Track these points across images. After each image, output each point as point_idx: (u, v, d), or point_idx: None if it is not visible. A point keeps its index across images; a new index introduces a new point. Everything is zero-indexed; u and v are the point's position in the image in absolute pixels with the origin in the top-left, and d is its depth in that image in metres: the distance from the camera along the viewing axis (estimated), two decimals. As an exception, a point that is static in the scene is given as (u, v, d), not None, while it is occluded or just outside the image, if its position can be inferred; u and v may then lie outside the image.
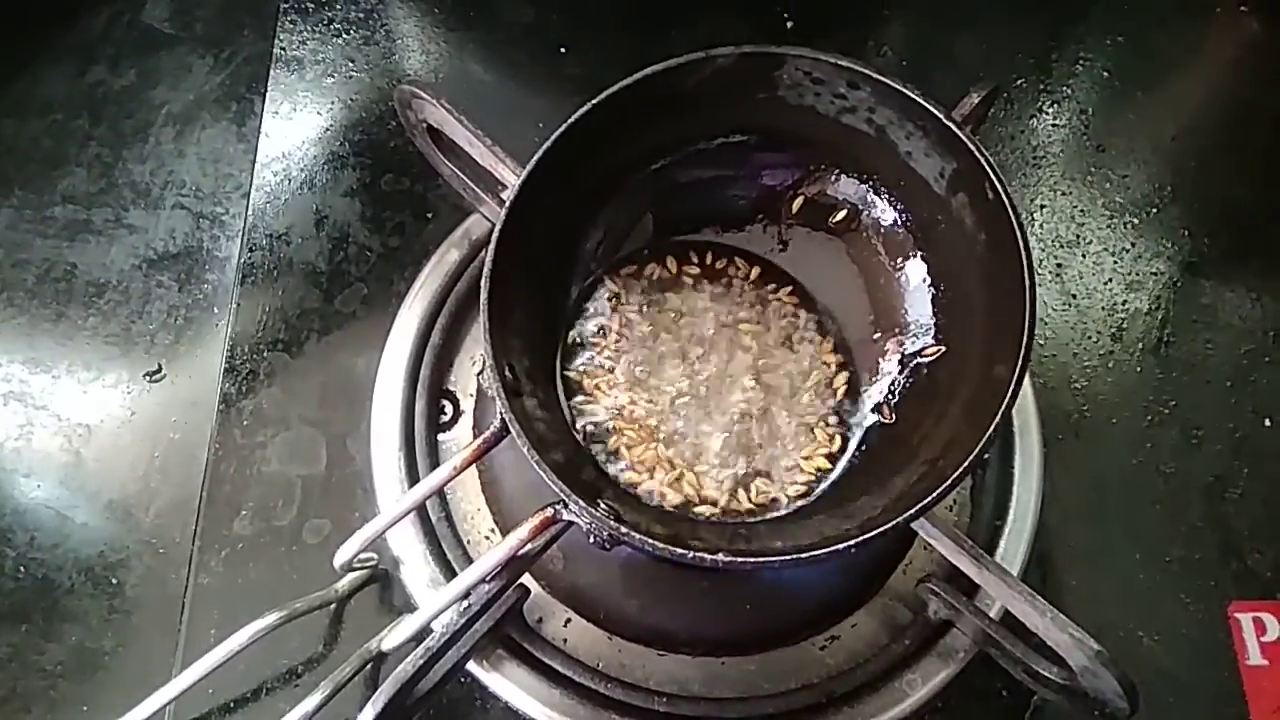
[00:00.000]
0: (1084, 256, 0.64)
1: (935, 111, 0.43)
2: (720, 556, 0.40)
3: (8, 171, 0.69)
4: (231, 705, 0.51)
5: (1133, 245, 0.65)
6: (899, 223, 0.49)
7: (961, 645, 0.51)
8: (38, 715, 0.55)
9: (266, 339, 0.60)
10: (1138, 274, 0.64)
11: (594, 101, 0.44)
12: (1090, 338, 0.62)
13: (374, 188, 0.65)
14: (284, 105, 0.68)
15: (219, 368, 0.60)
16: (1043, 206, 0.66)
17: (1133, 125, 0.69)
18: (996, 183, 0.42)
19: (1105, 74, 0.71)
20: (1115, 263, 0.64)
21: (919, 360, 0.48)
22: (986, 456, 0.56)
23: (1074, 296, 0.63)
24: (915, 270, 0.49)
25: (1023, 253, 0.41)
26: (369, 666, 0.49)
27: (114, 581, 0.58)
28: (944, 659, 0.51)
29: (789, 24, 0.71)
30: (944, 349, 0.47)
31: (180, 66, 0.73)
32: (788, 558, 0.40)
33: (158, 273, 0.66)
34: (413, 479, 0.54)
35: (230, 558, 0.55)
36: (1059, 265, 0.64)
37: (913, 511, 0.39)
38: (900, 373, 0.49)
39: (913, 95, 0.44)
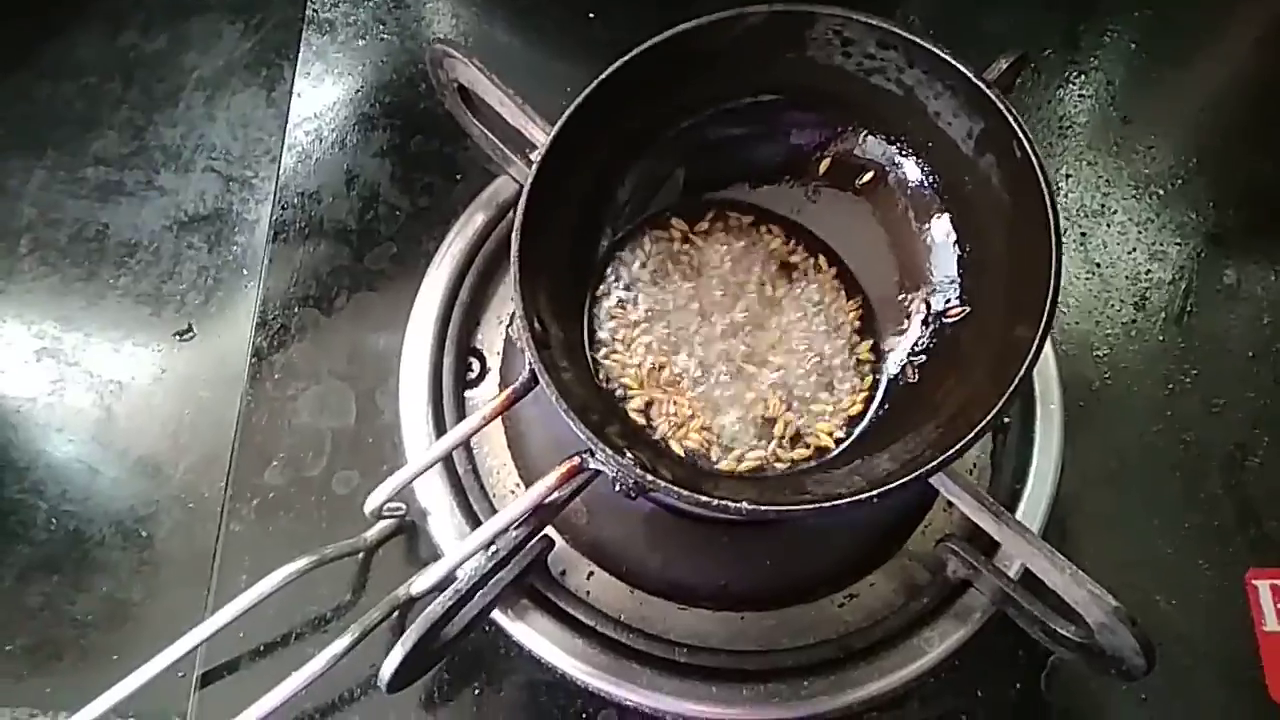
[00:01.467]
0: (1108, 226, 0.64)
1: (965, 71, 0.44)
2: (744, 504, 0.40)
3: (41, 133, 0.70)
4: (261, 649, 0.52)
5: (1157, 216, 0.64)
6: (926, 183, 0.50)
7: (979, 605, 0.52)
8: (68, 663, 0.57)
9: (298, 295, 0.61)
10: (1161, 244, 0.64)
11: (626, 57, 0.45)
12: (1113, 306, 0.62)
13: (404, 149, 0.66)
14: (316, 66, 0.69)
15: (248, 328, 0.61)
16: (1068, 176, 0.66)
17: (1159, 98, 0.69)
18: (1025, 142, 0.43)
19: (1132, 47, 0.70)
20: (1139, 233, 0.64)
21: (943, 320, 0.49)
22: (1008, 420, 0.56)
23: (1098, 265, 0.63)
24: (941, 230, 0.49)
25: (1049, 212, 0.42)
26: (396, 613, 0.50)
27: (143, 535, 0.60)
28: (961, 619, 0.52)
29: (816, -8, 0.71)
30: (968, 309, 0.48)
31: (211, 32, 0.74)
32: (809, 506, 0.40)
33: (188, 234, 0.67)
34: (440, 433, 0.55)
35: (261, 506, 0.55)
36: (1083, 234, 0.64)
37: (932, 465, 0.40)
38: (924, 332, 0.49)
39: (943, 55, 0.44)
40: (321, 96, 0.68)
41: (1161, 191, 0.65)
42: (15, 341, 0.64)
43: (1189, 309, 0.62)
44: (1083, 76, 0.69)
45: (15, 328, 0.65)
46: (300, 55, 0.69)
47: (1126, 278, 0.63)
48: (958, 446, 0.39)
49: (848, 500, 0.39)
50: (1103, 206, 0.65)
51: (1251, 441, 0.58)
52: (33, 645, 0.57)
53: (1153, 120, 0.68)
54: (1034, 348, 0.41)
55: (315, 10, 0.71)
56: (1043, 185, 0.42)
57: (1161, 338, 0.61)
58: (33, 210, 0.68)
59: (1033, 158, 0.42)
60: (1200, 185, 0.66)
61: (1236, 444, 0.58)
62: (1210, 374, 0.60)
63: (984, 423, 0.40)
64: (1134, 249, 0.63)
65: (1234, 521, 0.56)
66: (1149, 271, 0.63)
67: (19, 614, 0.58)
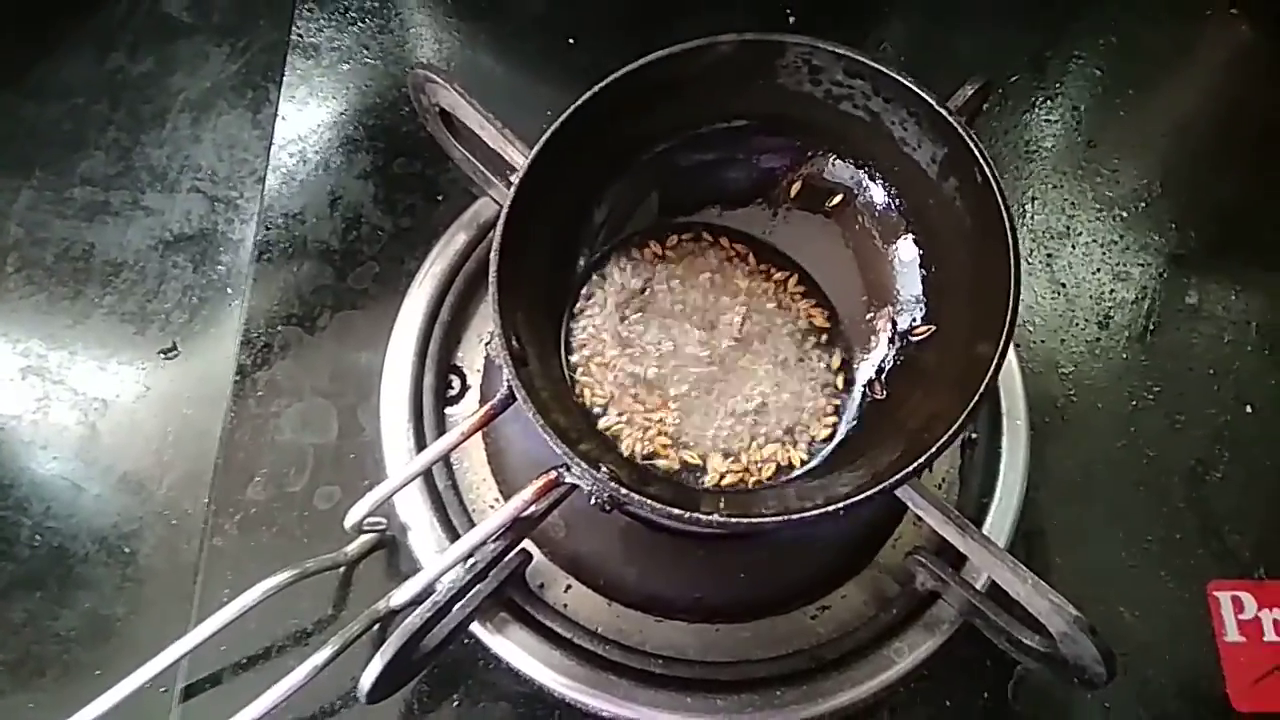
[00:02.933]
0: (1074, 248, 0.66)
1: (928, 98, 0.45)
2: (715, 516, 0.41)
3: (28, 153, 0.71)
4: (244, 662, 0.53)
5: (1121, 238, 0.66)
6: (892, 206, 0.51)
7: (947, 616, 0.53)
8: (51, 678, 0.57)
9: (281, 313, 0.62)
10: (1125, 265, 0.65)
11: (601, 84, 0.46)
12: (1078, 325, 0.63)
13: (386, 171, 0.67)
14: (300, 90, 0.70)
15: (232, 347, 0.62)
16: (1035, 199, 0.68)
17: (1124, 122, 0.71)
18: (986, 168, 0.44)
19: (1098, 72, 0.73)
20: (1104, 254, 0.66)
21: (909, 339, 0.50)
22: (975, 436, 0.58)
23: (1063, 285, 0.65)
24: (907, 251, 0.51)
25: (1009, 235, 0.43)
26: (376, 626, 0.51)
27: (126, 551, 0.60)
28: (930, 629, 0.53)
29: (791, 18, 0.73)
30: (934, 328, 0.49)
31: (197, 54, 0.74)
32: (778, 519, 0.42)
33: (173, 254, 0.68)
34: (421, 449, 0.56)
35: (244, 522, 0.56)
36: (1049, 255, 0.66)
37: (895, 479, 0.41)
38: (891, 351, 0.51)
39: (907, 83, 0.45)
40: (306, 119, 0.69)
41: (1125, 214, 0.67)
42: (0, 359, 0.65)
43: (1152, 328, 0.64)
44: (1049, 101, 0.71)
45: (1, 346, 0.65)
46: (285, 79, 0.71)
47: (1091, 297, 0.64)
48: (920, 461, 0.41)
49: (813, 514, 0.41)
50: (1068, 228, 0.67)
51: (1212, 457, 0.60)
52: (16, 661, 0.57)
53: (1117, 144, 0.70)
54: (994, 365, 0.42)
55: (300, 35, 0.72)
56: (1002, 209, 0.43)
57: (1125, 356, 0.63)
58: (19, 229, 0.68)
59: (993, 182, 0.44)
60: (1163, 208, 0.68)
61: (1198, 459, 0.60)
62: (1173, 391, 0.62)
63: (946, 437, 0.41)
64: (1098, 269, 0.65)
65: (1196, 535, 0.58)
66: (1113, 291, 0.65)
67: (2, 630, 0.58)
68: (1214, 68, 0.75)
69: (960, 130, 0.45)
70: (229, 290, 0.66)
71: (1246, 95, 0.73)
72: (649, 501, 0.41)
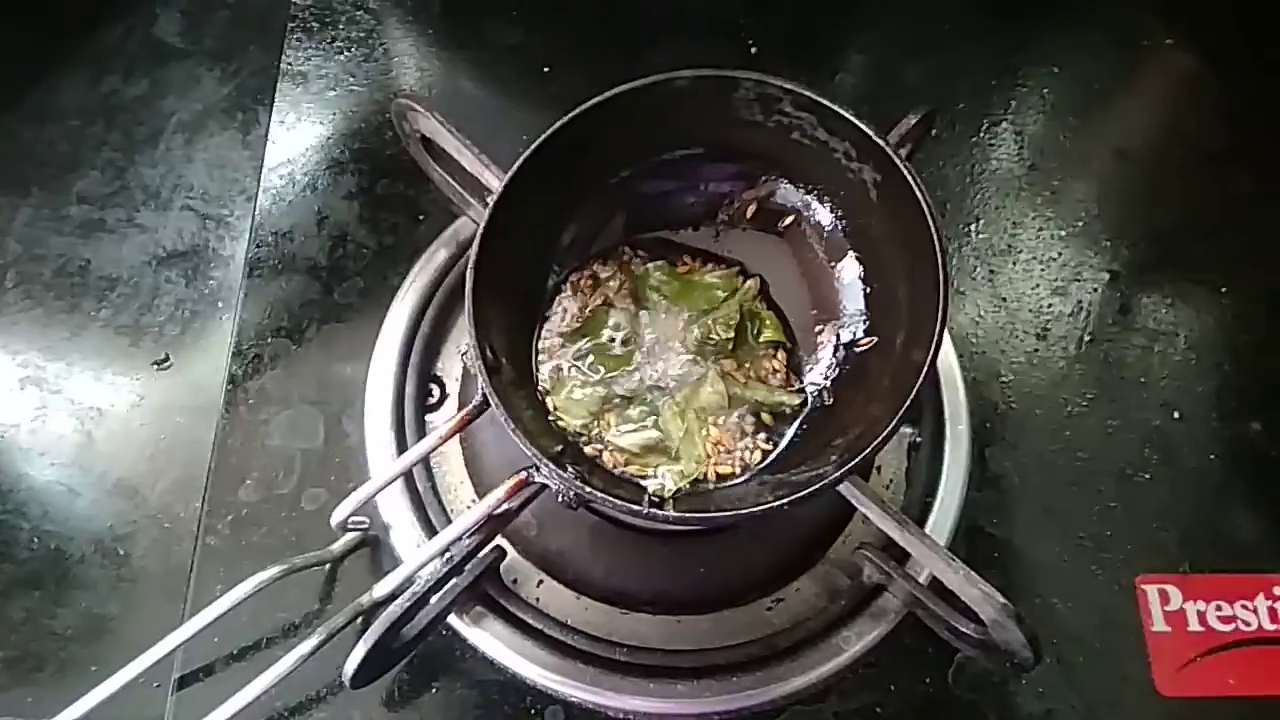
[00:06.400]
0: (1015, 264, 0.70)
1: (866, 130, 0.49)
2: (670, 512, 0.45)
3: (26, 173, 0.73)
4: (235, 652, 0.56)
5: (1060, 255, 0.70)
6: (838, 227, 0.55)
7: (892, 607, 0.57)
8: (48, 674, 0.59)
9: (271, 326, 0.65)
10: (1063, 280, 0.69)
11: (569, 116, 0.50)
12: (1018, 337, 0.67)
13: (371, 191, 0.70)
14: (289, 115, 0.73)
15: (222, 358, 0.65)
16: (979, 218, 0.71)
17: (1065, 147, 0.75)
18: (918, 192, 0.48)
19: (1041, 99, 0.77)
20: (1043, 270, 0.70)
21: (853, 349, 0.54)
22: (920, 440, 0.62)
23: (1004, 299, 0.69)
24: (850, 269, 0.55)
25: (939, 253, 0.47)
26: (360, 619, 0.54)
27: (121, 553, 0.62)
28: (876, 619, 0.56)
29: (753, 50, 0.77)
30: (875, 340, 0.53)
31: (190, 78, 0.77)
32: (728, 514, 0.45)
33: (166, 269, 0.70)
34: (402, 453, 0.59)
35: (235, 522, 0.59)
36: (992, 271, 0.70)
37: (835, 476, 0.45)
38: (837, 359, 0.54)
39: (846, 115, 0.49)
40: (295, 142, 0.72)
41: (1064, 232, 0.71)
42: (0, 370, 0.67)
43: (1087, 339, 0.68)
44: (995, 127, 0.75)
45: (0, 357, 0.67)
46: (275, 104, 0.73)
47: (1031, 311, 0.68)
48: (857, 459, 0.44)
49: (760, 509, 0.44)
50: (1010, 245, 0.71)
51: (1142, 460, 0.64)
52: (15, 658, 0.59)
53: (1058, 167, 0.74)
54: (924, 369, 0.46)
55: (289, 63, 0.75)
56: (933, 230, 0.47)
57: (1062, 365, 0.67)
58: (18, 246, 0.70)
59: (924, 206, 0.47)
60: (1100, 227, 0.71)
61: (1128, 461, 0.64)
62: (1106, 398, 0.65)
63: (880, 437, 0.45)
64: (1038, 284, 0.69)
65: (1125, 532, 0.62)
66: (1051, 305, 0.69)
67: (2, 628, 0.60)
68: (1151, 95, 0.79)
69: (895, 158, 0.48)
70: (219, 304, 0.69)
71: (1180, 122, 0.77)
72: (609, 499, 0.45)
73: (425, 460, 0.60)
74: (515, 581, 0.58)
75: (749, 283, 0.56)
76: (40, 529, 0.63)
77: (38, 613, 0.61)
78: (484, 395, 0.47)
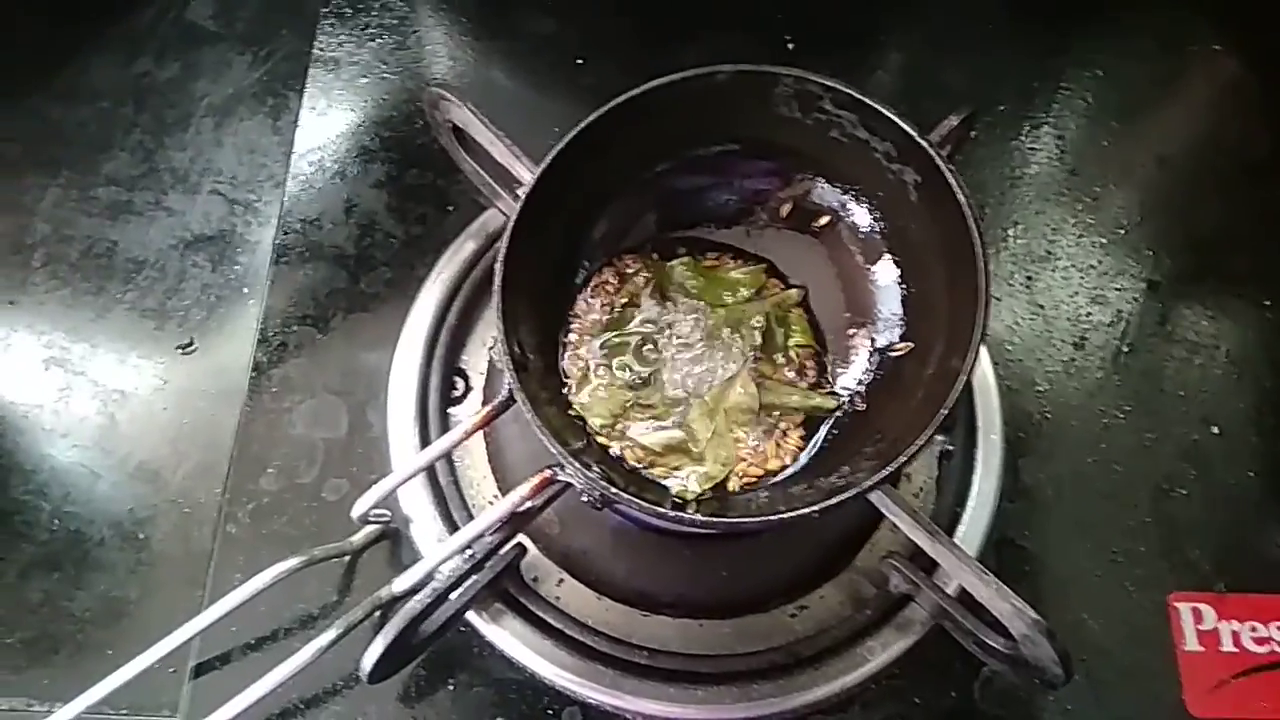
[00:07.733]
0: (1054, 271, 0.69)
1: (908, 129, 0.48)
2: (697, 516, 0.44)
3: (56, 154, 0.73)
4: (253, 642, 0.56)
5: (1100, 263, 0.69)
6: (875, 228, 0.54)
7: (919, 618, 0.55)
8: (65, 656, 0.59)
9: (296, 314, 0.65)
10: (1103, 289, 0.68)
11: (603, 109, 0.49)
12: (1055, 345, 0.66)
13: (400, 181, 0.70)
14: (320, 101, 0.73)
15: (248, 344, 0.64)
16: (1018, 223, 0.70)
17: (1106, 152, 0.73)
18: (960, 195, 0.47)
19: (1083, 103, 0.75)
20: (1082, 278, 0.68)
21: (888, 354, 0.53)
22: (951, 448, 0.60)
23: (1042, 307, 0.67)
24: (888, 272, 0.53)
25: (979, 258, 0.46)
26: (378, 612, 0.53)
27: (141, 537, 0.62)
28: (902, 630, 0.55)
29: (790, 45, 0.76)
30: (911, 345, 0.52)
31: (221, 62, 0.77)
32: (756, 520, 0.44)
33: (193, 253, 0.70)
34: (425, 446, 0.59)
35: (256, 510, 0.59)
36: (1029, 278, 0.68)
37: (867, 485, 0.44)
38: (871, 364, 0.53)
39: (888, 113, 0.48)
40: (324, 128, 0.72)
41: (1105, 240, 0.70)
42: (25, 351, 0.67)
43: (1126, 350, 0.66)
44: (1035, 130, 0.74)
45: (26, 337, 0.67)
46: (306, 90, 0.73)
47: (1068, 319, 0.67)
48: (890, 468, 0.43)
49: (788, 516, 0.43)
50: (1049, 252, 0.69)
51: (1178, 474, 0.62)
52: (32, 639, 0.59)
53: (1100, 173, 0.72)
54: (962, 377, 0.44)
55: (321, 49, 0.75)
56: (974, 233, 0.46)
57: (1099, 376, 0.65)
58: (46, 227, 0.71)
59: (965, 209, 0.46)
60: (1141, 235, 0.70)
61: (1164, 476, 0.62)
62: (1143, 411, 0.64)
63: (915, 446, 0.44)
64: (1076, 293, 0.68)
65: (1159, 548, 0.60)
66: (1089, 314, 0.67)
67: (20, 609, 0.60)
68: (1196, 101, 0.78)
69: (938, 159, 0.47)
70: (245, 290, 0.69)
71: (1226, 128, 0.76)
72: (635, 501, 0.44)
73: (448, 454, 0.59)
74: (535, 580, 0.57)
75: (791, 291, 0.56)
76: (61, 510, 0.63)
77: (56, 594, 0.61)
78: (510, 392, 0.46)
